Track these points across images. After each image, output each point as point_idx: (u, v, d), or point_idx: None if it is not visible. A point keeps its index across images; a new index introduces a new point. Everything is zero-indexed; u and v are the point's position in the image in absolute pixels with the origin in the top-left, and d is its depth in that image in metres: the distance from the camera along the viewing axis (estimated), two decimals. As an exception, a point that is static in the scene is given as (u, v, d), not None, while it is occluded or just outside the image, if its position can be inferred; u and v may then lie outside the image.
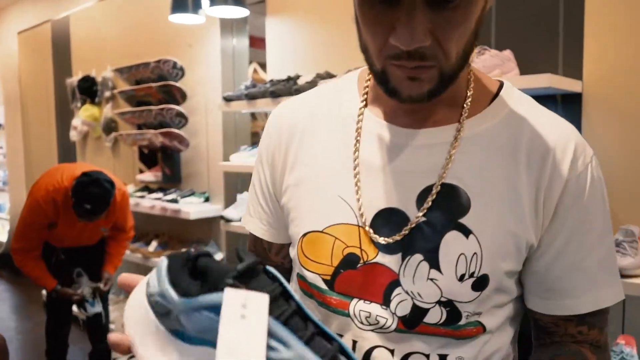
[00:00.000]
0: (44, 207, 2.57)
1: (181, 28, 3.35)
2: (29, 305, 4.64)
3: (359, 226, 0.69)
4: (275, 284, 0.48)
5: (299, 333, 0.45)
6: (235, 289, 0.45)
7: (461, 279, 0.65)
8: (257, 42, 3.25)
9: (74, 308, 2.95)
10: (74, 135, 4.47)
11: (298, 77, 2.52)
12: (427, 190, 0.67)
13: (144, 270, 3.69)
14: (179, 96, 3.43)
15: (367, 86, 0.75)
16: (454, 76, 0.62)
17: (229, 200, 3.25)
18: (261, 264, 0.48)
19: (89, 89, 4.27)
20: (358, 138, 0.71)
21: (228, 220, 2.77)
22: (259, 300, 0.45)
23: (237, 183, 3.33)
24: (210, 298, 0.45)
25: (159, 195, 3.53)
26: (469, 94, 0.69)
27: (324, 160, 0.73)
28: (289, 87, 2.43)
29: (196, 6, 2.90)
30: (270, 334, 0.44)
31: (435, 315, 0.67)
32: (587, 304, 0.68)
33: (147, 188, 3.80)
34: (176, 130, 3.37)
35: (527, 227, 0.66)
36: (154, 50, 3.69)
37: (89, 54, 4.55)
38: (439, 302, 0.66)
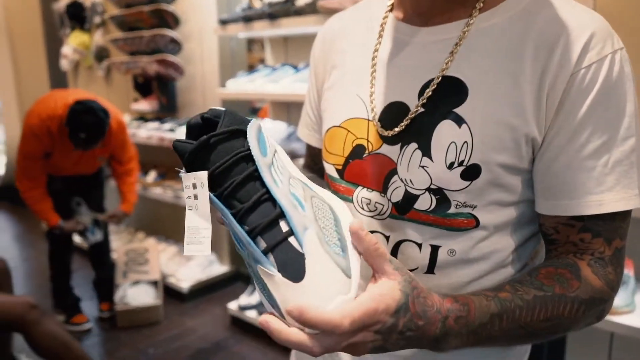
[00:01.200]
0: (39, 136, 2.52)
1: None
2: (31, 234, 4.69)
3: (368, 120, 0.74)
4: (234, 152, 0.55)
5: (241, 203, 0.54)
6: (186, 174, 0.55)
7: (450, 166, 0.66)
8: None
9: (76, 236, 2.97)
10: (64, 64, 4.35)
11: (297, -3, 2.40)
12: (429, 83, 0.69)
13: (144, 201, 3.70)
14: (171, 21, 3.29)
15: None
16: None
17: (227, 129, 3.20)
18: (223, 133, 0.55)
19: (78, 14, 4.11)
20: (380, 39, 0.76)
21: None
22: (202, 177, 0.54)
23: (237, 110, 3.26)
24: (185, 175, 0.56)
25: (156, 124, 3.47)
26: None
27: (351, 62, 0.78)
28: (287, 8, 2.32)
29: None
30: (213, 209, 0.55)
31: (425, 202, 0.69)
32: (589, 205, 0.64)
33: (143, 118, 3.74)
34: (171, 57, 3.27)
35: (528, 121, 0.64)
36: (144, -29, 3.50)
37: (75, -23, 4.33)
38: (429, 190, 0.68)
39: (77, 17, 4.12)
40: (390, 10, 0.78)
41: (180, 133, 3.20)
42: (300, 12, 2.27)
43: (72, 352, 2.00)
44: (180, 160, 0.57)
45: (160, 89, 3.54)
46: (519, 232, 0.71)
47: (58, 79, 4.79)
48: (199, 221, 0.56)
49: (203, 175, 0.54)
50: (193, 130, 0.59)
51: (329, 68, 0.83)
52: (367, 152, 0.73)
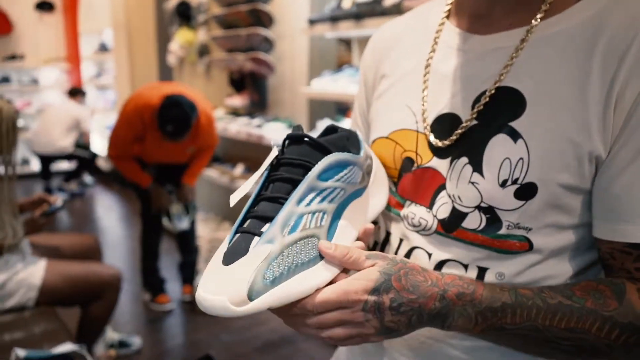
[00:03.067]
0: (133, 121, 2.72)
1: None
2: (135, 215, 5.07)
3: (417, 131, 0.71)
4: (299, 154, 0.61)
5: (272, 192, 0.60)
6: (276, 148, 0.62)
7: (503, 184, 0.62)
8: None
9: (165, 221, 3.17)
10: (171, 59, 4.64)
11: (384, -2, 2.37)
12: (483, 94, 0.65)
13: (230, 192, 3.85)
14: (266, 20, 3.39)
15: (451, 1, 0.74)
16: None
17: (312, 128, 3.24)
18: (308, 137, 0.62)
19: (185, 13, 4.37)
20: (435, 47, 0.72)
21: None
22: (272, 154, 0.62)
23: (320, 111, 3.30)
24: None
25: (246, 120, 3.60)
26: None
27: (403, 71, 0.75)
28: (373, 9, 2.30)
29: None
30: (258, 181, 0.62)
31: (474, 221, 0.64)
32: None
33: (235, 112, 3.89)
34: (263, 55, 3.37)
35: (593, 137, 0.58)
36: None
37: (186, -23, 4.60)
38: (479, 208, 0.64)
39: (185, 15, 4.39)
40: (447, 16, 0.74)
41: (268, 130, 3.30)
42: (386, 12, 2.24)
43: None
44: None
45: (252, 85, 3.66)
46: (578, 258, 0.65)
47: (165, 73, 5.13)
48: (251, 181, 0.63)
49: (274, 153, 0.62)
50: (327, 133, 0.68)
51: (379, 77, 0.81)
52: (416, 165, 0.70)
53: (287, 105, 3.51)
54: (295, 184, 0.59)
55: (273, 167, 0.62)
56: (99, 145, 6.72)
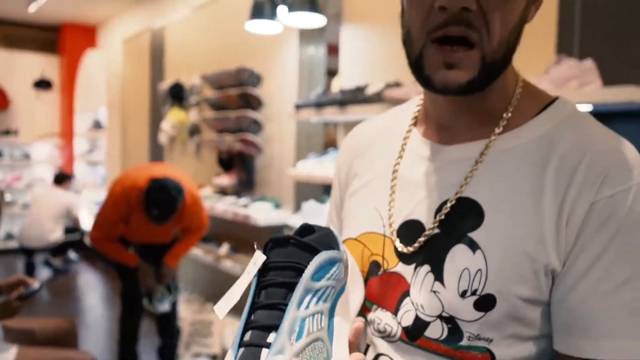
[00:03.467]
0: (119, 202, 2.72)
1: (262, 37, 3.43)
2: (116, 295, 4.94)
3: (384, 236, 0.71)
4: (288, 258, 0.59)
5: (265, 299, 0.58)
6: (257, 251, 0.61)
7: (463, 294, 0.62)
8: (335, 50, 3.24)
9: (145, 302, 3.08)
10: (162, 138, 4.73)
11: (366, 86, 2.46)
12: (445, 204, 0.67)
13: (215, 272, 3.79)
14: (255, 103, 3.50)
15: (419, 107, 0.78)
16: (494, 68, 0.61)
17: (298, 209, 3.26)
18: (294, 238, 0.60)
19: (178, 94, 4.50)
20: (402, 153, 0.75)
21: (291, 229, 2.76)
22: (259, 260, 0.59)
23: (306, 192, 3.33)
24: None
25: (233, 199, 3.61)
26: (510, 107, 0.67)
27: (373, 174, 0.78)
28: (356, 96, 2.39)
29: (273, 13, 2.94)
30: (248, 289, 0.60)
31: (436, 330, 0.64)
32: (605, 350, 0.57)
33: (222, 192, 3.91)
34: (251, 137, 3.45)
35: (548, 250, 0.59)
36: (238, 58, 3.80)
37: (180, 61, 4.80)
38: (441, 317, 0.64)
39: (178, 97, 4.52)
40: (415, 123, 0.77)
41: (255, 210, 3.30)
42: (368, 100, 2.32)
43: None
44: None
45: (240, 165, 3.71)
46: None
47: (156, 151, 5.20)
48: (238, 290, 0.61)
49: (261, 258, 0.59)
50: (303, 232, 0.66)
51: (351, 176, 0.83)
52: (382, 269, 0.71)
53: (274, 186, 3.55)
54: (289, 287, 0.58)
55: (260, 272, 0.61)
56: (87, 222, 6.68)
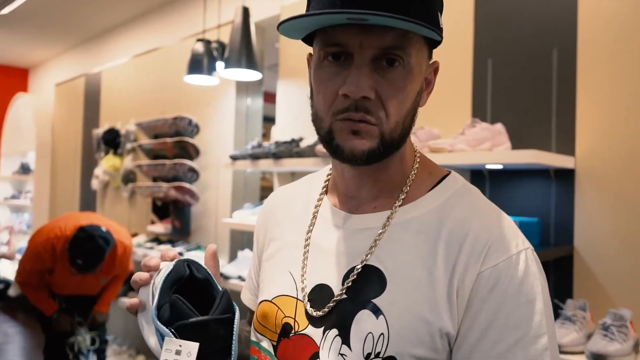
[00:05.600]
0: (42, 254, 2.64)
1: (200, 87, 3.49)
2: (38, 349, 4.65)
3: (297, 299, 0.75)
4: (219, 340, 0.62)
5: None
6: (173, 338, 0.60)
7: (367, 357, 0.66)
8: (274, 99, 3.34)
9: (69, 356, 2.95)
10: (95, 184, 4.62)
11: (301, 139, 2.57)
12: (352, 270, 0.71)
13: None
14: (192, 152, 3.53)
15: (329, 177, 0.83)
16: (393, 143, 0.68)
17: (233, 257, 3.27)
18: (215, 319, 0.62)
19: (112, 141, 4.45)
20: (314, 221, 0.80)
21: (226, 278, 2.77)
22: (191, 348, 0.59)
23: (242, 240, 3.35)
24: (162, 329, 0.61)
25: (167, 247, 3.57)
26: (408, 183, 0.74)
27: (287, 240, 0.82)
28: (290, 150, 2.48)
29: (211, 68, 3.03)
30: None
31: None
32: None
33: (157, 239, 3.86)
34: (187, 185, 3.45)
35: (442, 315, 0.65)
36: (175, 107, 3.84)
37: (116, 107, 4.76)
38: None
39: (112, 143, 4.46)
40: (326, 192, 0.82)
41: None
42: (301, 153, 2.42)
43: None
44: (171, 314, 0.63)
45: (175, 213, 3.69)
46: None
47: (88, 197, 5.06)
48: None
49: (194, 346, 0.59)
50: (177, 277, 0.66)
51: (267, 239, 0.86)
52: (293, 331, 0.73)
53: (210, 233, 3.55)
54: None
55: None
56: (9, 270, 6.30)
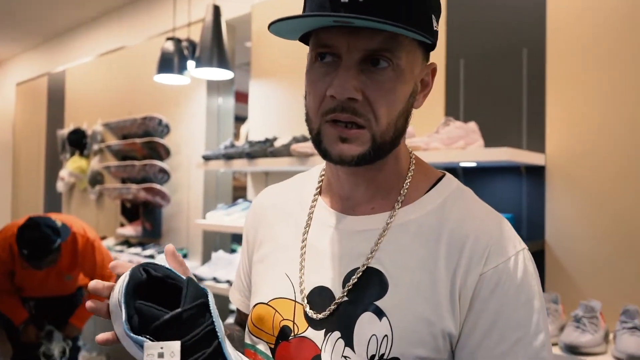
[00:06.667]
0: (1, 255, 2.57)
1: (170, 86, 3.44)
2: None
3: (295, 301, 0.74)
4: (201, 326, 0.60)
5: None
6: (151, 343, 0.58)
7: (371, 359, 0.67)
8: (244, 98, 3.32)
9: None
10: (60, 186, 4.50)
11: (275, 139, 2.56)
12: (352, 272, 0.71)
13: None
14: (163, 152, 3.47)
15: (322, 177, 0.83)
16: (385, 145, 0.69)
17: (207, 259, 3.23)
18: (190, 309, 0.60)
19: (78, 141, 4.34)
20: (309, 222, 0.79)
21: (200, 280, 2.73)
22: (173, 347, 0.57)
23: (215, 241, 3.32)
24: (137, 339, 0.58)
25: (138, 250, 3.50)
26: (406, 184, 0.75)
27: (282, 240, 0.81)
28: (264, 149, 2.47)
29: (182, 67, 2.99)
30: None
31: None
32: None
33: (127, 242, 3.78)
34: (157, 186, 3.40)
35: (444, 316, 0.66)
36: (144, 106, 3.77)
37: (81, 107, 4.64)
38: None
39: (78, 144, 4.35)
40: (319, 192, 0.82)
41: (161, 261, 3.22)
42: (276, 153, 2.41)
43: None
44: (141, 321, 0.60)
45: (145, 215, 3.63)
46: None
47: (53, 200, 4.92)
48: None
49: (175, 345, 0.57)
50: (136, 283, 0.63)
51: (258, 241, 0.85)
52: (292, 334, 0.73)
53: (182, 235, 3.50)
54: (219, 354, 0.60)
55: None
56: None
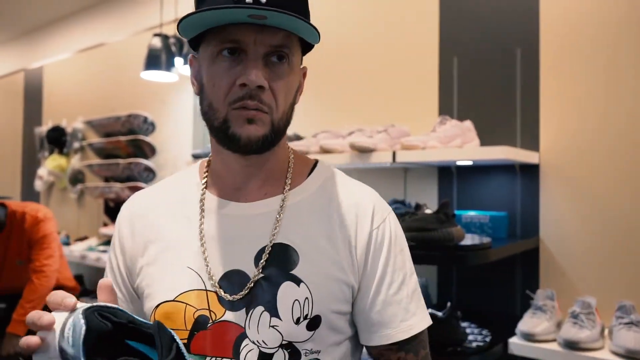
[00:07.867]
0: None
1: (155, 83, 3.39)
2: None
3: (206, 290, 0.79)
4: None
5: None
6: None
7: (297, 321, 0.76)
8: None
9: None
10: (39, 185, 4.39)
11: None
12: (262, 251, 0.79)
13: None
14: (148, 150, 3.42)
15: (207, 172, 0.88)
16: (280, 131, 0.79)
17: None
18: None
19: (58, 139, 4.23)
20: (202, 214, 0.84)
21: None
22: None
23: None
24: None
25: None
26: (290, 170, 0.86)
27: (172, 239, 0.84)
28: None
29: (169, 64, 2.94)
30: None
31: (279, 358, 0.76)
32: (403, 331, 0.81)
33: (109, 242, 3.71)
34: (143, 184, 3.34)
35: (347, 273, 0.80)
36: (127, 104, 3.70)
37: (60, 104, 4.54)
38: (281, 346, 0.76)
39: (57, 142, 4.25)
40: (206, 187, 0.87)
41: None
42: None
43: None
44: None
45: (130, 214, 3.56)
46: None
47: (31, 199, 4.80)
48: None
49: None
50: (96, 335, 0.56)
51: (141, 246, 0.85)
52: (211, 321, 0.77)
53: (167, 234, 3.44)
54: None
55: None
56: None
